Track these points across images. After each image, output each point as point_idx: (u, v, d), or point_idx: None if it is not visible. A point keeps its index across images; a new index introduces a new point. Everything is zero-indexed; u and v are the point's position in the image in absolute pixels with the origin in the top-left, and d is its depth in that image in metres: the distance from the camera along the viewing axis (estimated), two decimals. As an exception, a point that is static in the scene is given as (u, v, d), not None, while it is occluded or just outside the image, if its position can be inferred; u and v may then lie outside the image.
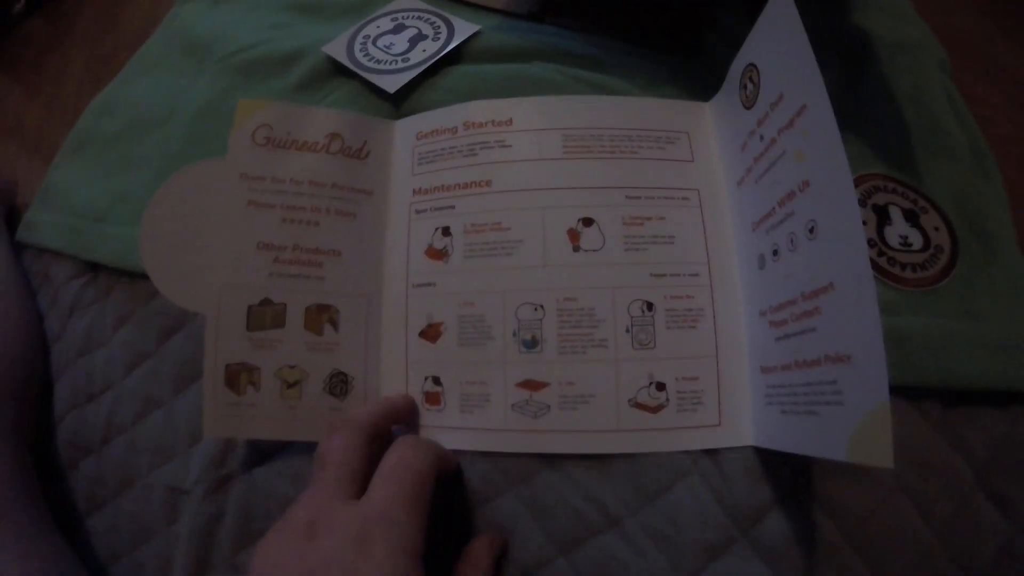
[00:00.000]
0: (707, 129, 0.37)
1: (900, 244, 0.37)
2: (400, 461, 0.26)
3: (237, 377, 0.33)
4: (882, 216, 0.38)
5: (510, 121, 0.36)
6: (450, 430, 0.32)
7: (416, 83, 0.42)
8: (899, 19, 0.48)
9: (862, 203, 0.38)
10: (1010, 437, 0.33)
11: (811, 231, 0.27)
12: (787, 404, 0.28)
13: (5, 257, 0.53)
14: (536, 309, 0.32)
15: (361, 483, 0.26)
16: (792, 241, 0.28)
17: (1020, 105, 0.48)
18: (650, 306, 0.33)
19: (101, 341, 0.46)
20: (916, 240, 0.37)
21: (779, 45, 0.29)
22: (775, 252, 0.30)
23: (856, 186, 0.36)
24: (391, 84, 0.41)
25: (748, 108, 0.32)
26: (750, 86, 0.32)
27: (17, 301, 0.50)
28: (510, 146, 0.35)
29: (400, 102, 0.42)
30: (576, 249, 0.33)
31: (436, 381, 0.33)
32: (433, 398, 0.33)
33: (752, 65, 0.32)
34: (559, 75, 0.41)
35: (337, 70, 0.45)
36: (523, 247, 0.33)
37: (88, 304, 0.48)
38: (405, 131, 0.38)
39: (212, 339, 0.32)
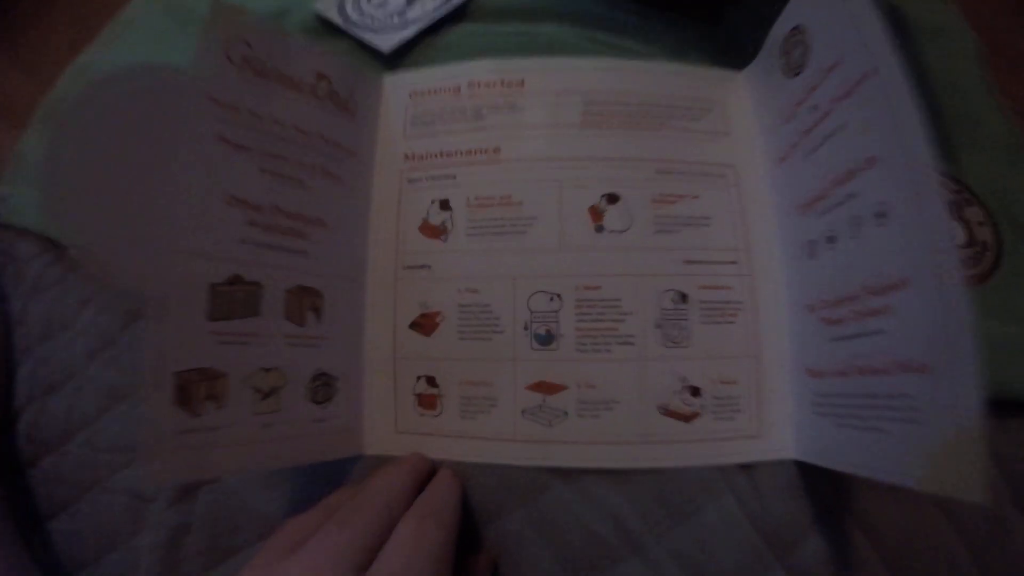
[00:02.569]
0: (742, 100, 0.32)
1: None
2: (418, 536, 0.22)
3: (192, 390, 0.24)
4: None
5: (522, 82, 0.31)
6: (448, 438, 0.28)
7: (414, 43, 0.38)
8: (936, 3, 0.43)
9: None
10: None
11: (880, 215, 0.23)
12: (842, 416, 0.24)
13: None
14: (552, 299, 0.28)
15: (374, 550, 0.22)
16: (854, 226, 0.24)
17: None
18: (684, 297, 0.28)
19: (64, 324, 0.42)
20: (959, 235, 0.33)
21: (834, 3, 0.26)
22: (830, 238, 0.26)
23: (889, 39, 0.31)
24: (386, 43, 0.37)
25: (793, 76, 0.29)
26: (796, 51, 0.29)
27: None
28: (522, 109, 0.30)
29: (396, 64, 0.37)
30: (599, 229, 0.29)
31: (431, 382, 0.28)
32: (428, 401, 0.28)
33: (798, 28, 0.28)
34: (575, 37, 0.36)
35: (327, 29, 0.40)
36: (537, 225, 0.29)
37: (52, 284, 0.44)
38: (397, 87, 0.33)
39: (156, 334, 0.23)
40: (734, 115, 0.32)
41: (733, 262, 0.29)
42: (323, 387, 0.29)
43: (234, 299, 0.26)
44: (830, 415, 0.25)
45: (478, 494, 0.27)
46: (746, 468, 0.27)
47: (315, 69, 0.30)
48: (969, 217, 0.35)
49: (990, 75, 0.43)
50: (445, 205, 0.29)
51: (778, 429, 0.27)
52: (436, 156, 0.30)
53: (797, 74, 0.29)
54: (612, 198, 0.29)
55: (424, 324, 0.29)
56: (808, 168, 0.28)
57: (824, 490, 0.27)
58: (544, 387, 0.27)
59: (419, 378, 0.28)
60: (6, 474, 0.38)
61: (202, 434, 0.24)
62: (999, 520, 0.28)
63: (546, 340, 0.28)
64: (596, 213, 0.29)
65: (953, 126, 0.38)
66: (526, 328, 0.28)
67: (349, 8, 0.40)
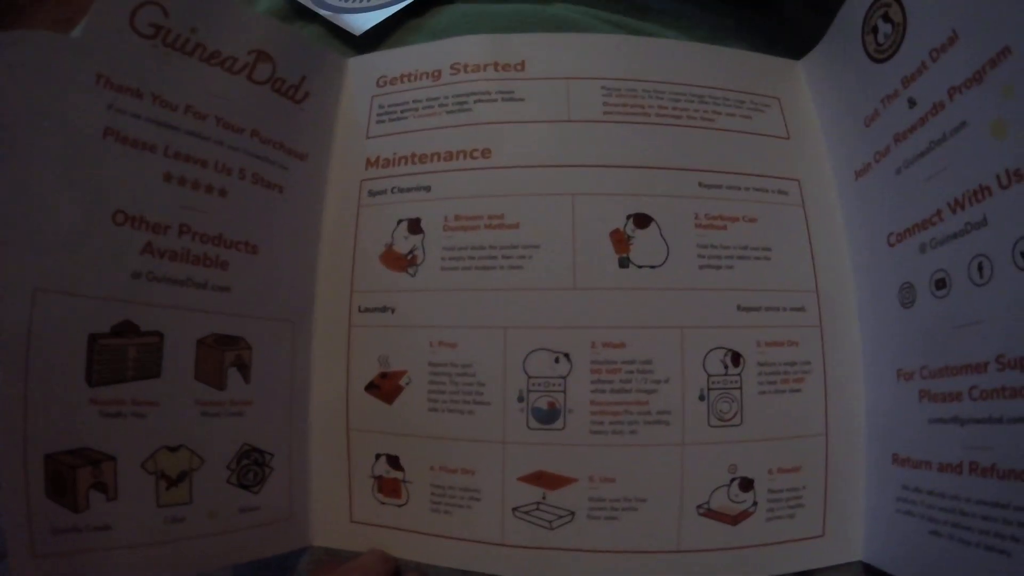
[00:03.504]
0: (803, 96, 0.26)
1: None
2: None
3: (69, 478, 0.18)
4: None
5: (522, 64, 0.24)
6: (416, 535, 0.21)
7: (393, 25, 0.30)
8: None
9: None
10: None
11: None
12: (942, 522, 0.19)
13: None
14: (558, 359, 0.21)
15: None
16: (981, 268, 0.19)
17: None
18: (736, 359, 0.21)
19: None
20: None
21: None
22: (940, 282, 0.20)
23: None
24: (359, 25, 0.29)
25: (881, 60, 0.23)
26: (884, 27, 0.23)
27: None
28: (522, 100, 0.23)
29: (375, 47, 0.30)
30: (624, 263, 0.21)
31: (394, 463, 0.21)
32: (390, 487, 0.21)
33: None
34: (589, 18, 0.29)
35: (296, 11, 0.34)
36: (539, 256, 0.22)
37: None
38: (362, 72, 0.25)
39: (18, 404, 0.17)
40: (796, 114, 0.25)
41: (800, 308, 0.22)
42: (253, 467, 0.22)
43: (123, 355, 0.20)
44: (922, 517, 0.20)
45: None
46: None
47: (254, 45, 0.23)
48: None
49: None
50: (415, 227, 0.22)
51: (849, 526, 0.22)
52: (406, 160, 0.23)
53: (886, 58, 0.23)
54: (642, 220, 0.22)
55: (385, 387, 0.22)
56: (906, 185, 0.22)
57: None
58: (544, 479, 0.21)
59: (379, 456, 0.22)
60: None
61: (87, 534, 0.19)
62: None
63: (548, 417, 0.21)
64: (621, 240, 0.21)
65: None
66: (521, 399, 0.21)
67: (319, -14, 0.33)
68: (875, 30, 0.23)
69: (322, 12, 0.33)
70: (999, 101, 0.18)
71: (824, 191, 0.24)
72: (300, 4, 0.34)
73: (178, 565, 0.21)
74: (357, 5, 0.32)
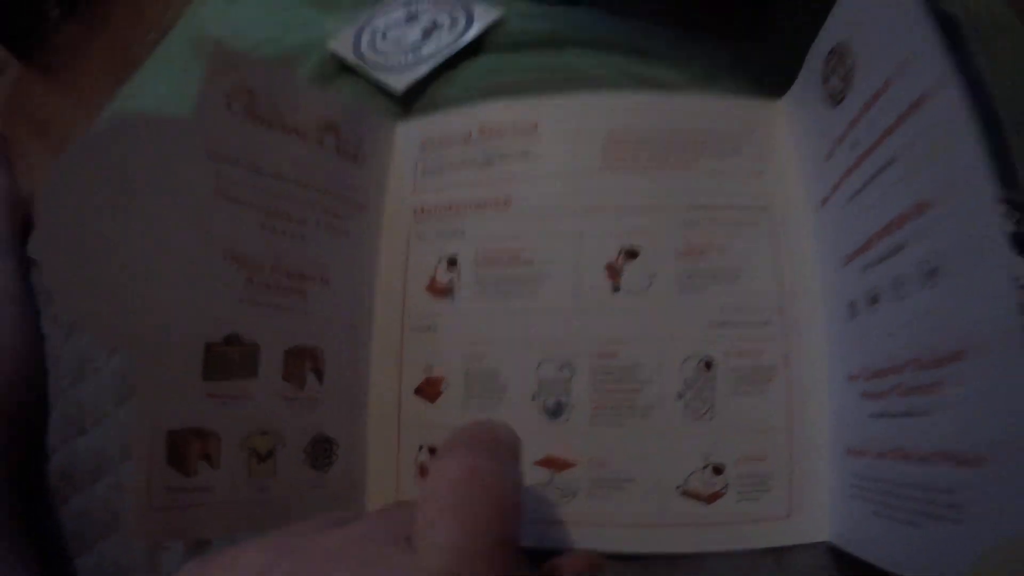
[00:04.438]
0: (781, 133, 0.29)
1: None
2: (470, 476, 0.17)
3: (186, 449, 0.24)
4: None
5: (535, 126, 0.29)
6: None
7: (430, 79, 0.36)
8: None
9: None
10: None
11: (929, 273, 0.20)
12: (879, 504, 0.22)
13: (12, 272, 0.50)
14: (562, 367, 0.26)
15: None
16: (898, 285, 0.21)
17: None
18: (709, 365, 0.25)
19: (94, 369, 0.43)
20: None
21: (881, 15, 0.22)
22: (873, 299, 0.23)
23: (948, 52, 0.26)
24: (400, 82, 0.35)
25: (835, 105, 0.26)
26: (837, 75, 0.25)
27: (19, 320, 0.47)
28: (535, 157, 0.29)
29: (412, 102, 0.36)
30: (616, 289, 0.26)
31: (434, 452, 0.26)
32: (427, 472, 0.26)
33: (839, 47, 0.25)
34: (600, 66, 0.34)
35: (343, 68, 0.40)
36: (550, 284, 0.27)
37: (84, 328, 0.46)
38: (409, 136, 0.31)
39: (149, 392, 0.23)
40: (771, 150, 0.29)
41: (766, 323, 0.26)
42: (323, 452, 0.28)
43: (230, 359, 0.26)
44: (867, 500, 0.23)
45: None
46: (775, 553, 0.25)
47: (322, 118, 0.29)
48: None
49: None
50: (453, 262, 0.28)
51: (811, 509, 0.25)
52: (445, 209, 0.29)
53: (839, 102, 0.26)
54: (631, 253, 0.26)
55: (428, 390, 0.27)
56: (852, 213, 0.24)
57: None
58: (552, 463, 0.25)
59: (422, 447, 0.27)
60: (40, 511, 0.39)
61: (194, 494, 0.24)
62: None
63: (556, 412, 0.26)
64: (614, 271, 0.26)
65: (1018, 142, 0.34)
66: (534, 398, 0.26)
67: (364, 46, 0.39)
68: (830, 77, 0.26)
69: (365, 70, 0.38)
70: (917, 142, 0.20)
71: (793, 218, 0.27)
72: (347, 64, 0.40)
73: (259, 523, 0.25)
74: (397, 63, 0.38)
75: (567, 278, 0.27)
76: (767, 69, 0.36)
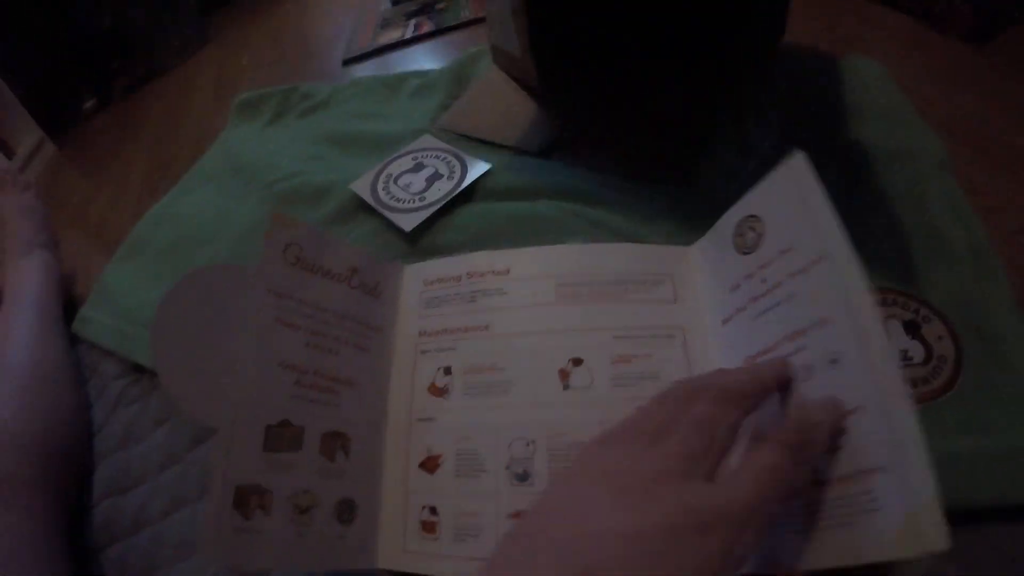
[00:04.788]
0: (691, 271, 0.40)
1: (899, 360, 0.37)
2: (779, 469, 0.23)
3: (247, 499, 0.32)
4: None
5: (508, 270, 0.40)
6: (444, 558, 0.35)
7: (432, 220, 0.48)
8: (897, 123, 0.49)
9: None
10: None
11: (832, 361, 0.28)
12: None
13: (61, 346, 0.58)
14: (528, 444, 0.36)
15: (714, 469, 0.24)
16: (806, 371, 0.29)
17: None
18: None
19: (140, 437, 0.51)
20: (917, 353, 0.37)
21: (791, 201, 0.32)
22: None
23: (839, 225, 0.34)
24: (408, 223, 0.47)
25: (744, 254, 0.35)
26: (751, 234, 0.35)
27: (68, 389, 0.54)
28: (507, 293, 0.40)
29: (417, 239, 0.47)
30: (566, 387, 0.37)
31: (433, 511, 0.36)
32: (429, 527, 0.35)
33: (753, 216, 0.35)
34: (560, 212, 0.45)
35: (361, 206, 0.51)
36: (517, 386, 0.37)
37: (132, 401, 0.54)
38: (414, 276, 0.42)
39: (224, 456, 0.31)
40: (683, 285, 0.40)
41: None
42: (347, 511, 0.36)
43: (283, 437, 0.35)
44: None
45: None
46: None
47: (350, 264, 0.40)
48: (927, 334, 0.38)
49: (954, 183, 0.44)
50: (448, 371, 0.38)
51: None
52: (442, 332, 0.39)
53: (748, 253, 0.35)
54: (577, 361, 0.37)
55: (429, 464, 0.37)
56: (757, 327, 0.33)
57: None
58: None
59: (423, 507, 0.36)
60: (80, 558, 0.45)
61: (250, 535, 0.31)
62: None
63: (523, 478, 0.35)
64: (564, 374, 0.37)
65: (915, 242, 0.41)
66: (507, 468, 0.35)
67: (379, 190, 0.51)
68: (743, 235, 0.35)
69: (381, 211, 0.49)
70: (816, 283, 0.30)
71: (700, 333, 0.37)
72: (365, 203, 0.51)
73: (297, 563, 0.33)
74: (405, 207, 0.49)
75: (530, 381, 0.37)
76: (695, 210, 0.47)
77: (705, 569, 0.20)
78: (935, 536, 0.24)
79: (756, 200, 0.35)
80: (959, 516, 0.28)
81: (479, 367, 0.38)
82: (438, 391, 0.38)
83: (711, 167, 0.49)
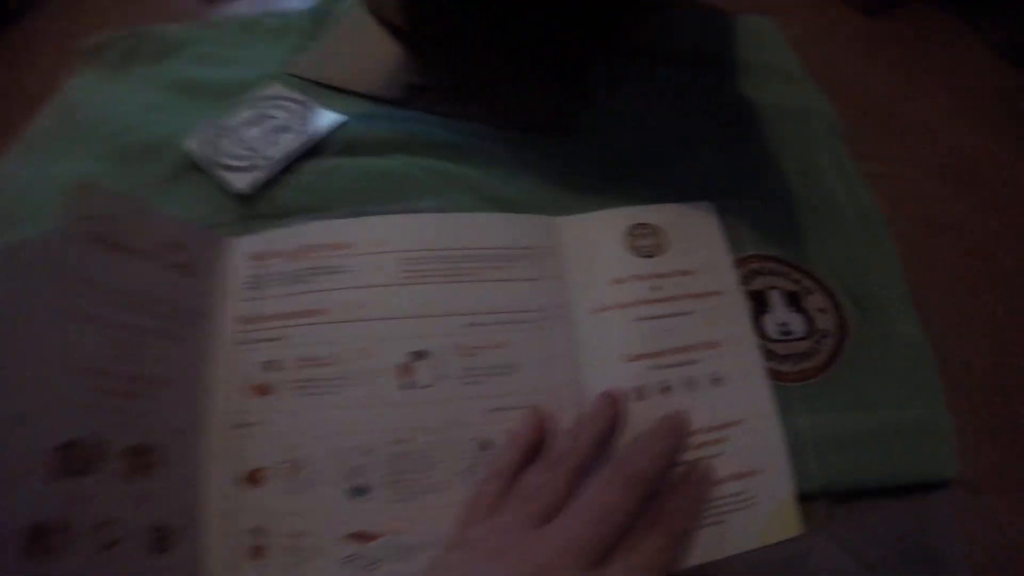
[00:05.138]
0: (561, 246, 0.36)
1: (779, 333, 0.35)
2: (667, 551, 0.25)
3: (39, 541, 0.27)
4: (760, 303, 0.36)
5: (348, 243, 0.34)
6: None
7: (274, 181, 0.40)
8: (788, 82, 0.47)
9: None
10: (907, 535, 0.32)
11: (716, 380, 0.33)
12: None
13: None
14: (366, 453, 0.30)
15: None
16: (690, 384, 0.33)
17: (917, 158, 0.49)
18: (486, 445, 0.31)
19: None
20: (798, 326, 0.36)
21: (697, 237, 0.37)
22: (665, 388, 0.32)
23: (735, 268, 0.37)
24: (242, 183, 0.39)
25: (639, 255, 0.36)
26: (649, 240, 0.37)
27: None
28: (347, 272, 0.33)
29: (254, 202, 0.40)
30: (408, 386, 0.31)
31: (260, 532, 0.30)
32: (258, 552, 0.30)
33: (657, 227, 0.37)
34: (417, 169, 0.39)
35: (196, 166, 0.43)
36: (351, 385, 0.31)
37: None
38: (240, 251, 0.35)
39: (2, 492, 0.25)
40: (549, 261, 0.35)
41: (535, 408, 0.32)
42: (163, 538, 0.31)
43: (77, 458, 0.28)
44: None
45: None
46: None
47: (164, 238, 0.33)
48: (809, 306, 0.36)
49: (843, 149, 0.44)
50: (273, 366, 0.32)
51: None
52: (268, 318, 0.33)
53: (642, 255, 0.36)
54: (420, 354, 0.32)
55: (253, 478, 0.31)
56: (642, 330, 0.34)
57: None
58: (360, 536, 0.30)
59: (250, 529, 0.31)
60: None
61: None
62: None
63: (361, 492, 0.30)
64: (405, 370, 0.31)
65: (801, 209, 0.41)
66: (343, 481, 0.30)
67: (214, 145, 0.43)
68: (637, 237, 0.36)
69: (212, 170, 0.41)
70: (709, 310, 0.35)
71: (563, 320, 0.33)
72: (197, 161, 0.43)
73: None
74: (242, 165, 0.41)
75: (367, 378, 0.31)
76: (569, 164, 0.42)
77: None
78: (793, 523, 0.29)
79: (662, 216, 0.37)
80: (846, 495, 0.32)
81: (310, 361, 0.32)
82: (262, 390, 0.32)
83: (590, 119, 0.44)
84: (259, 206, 0.39)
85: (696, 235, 0.37)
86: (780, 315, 0.36)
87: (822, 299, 0.37)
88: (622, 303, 0.34)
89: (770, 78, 0.48)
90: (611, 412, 0.30)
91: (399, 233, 0.34)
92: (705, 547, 0.29)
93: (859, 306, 0.37)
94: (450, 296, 0.33)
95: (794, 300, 0.36)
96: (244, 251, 0.35)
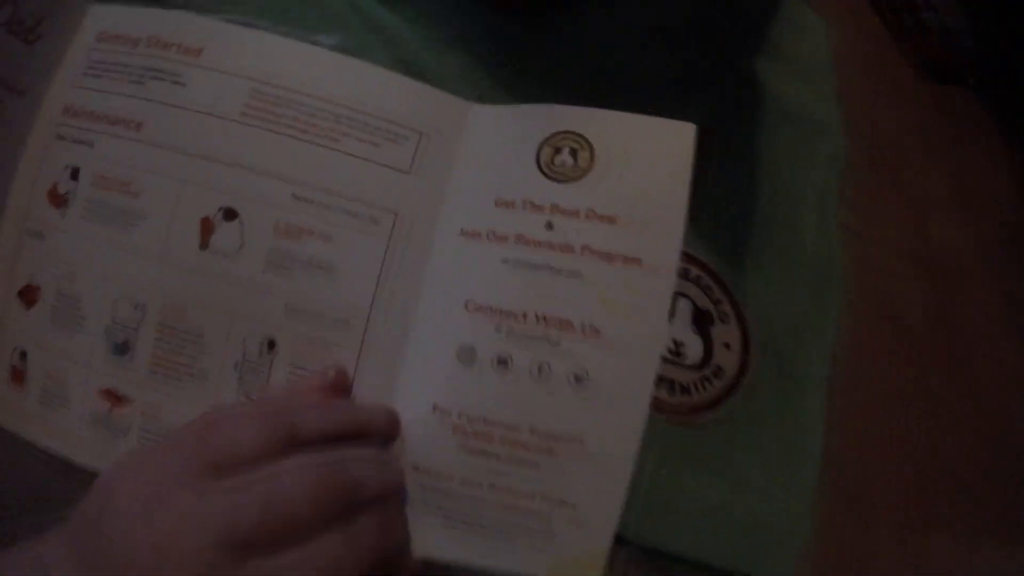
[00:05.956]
0: (457, 140, 0.27)
1: (669, 351, 0.27)
2: (341, 561, 0.19)
3: None
4: None
5: (199, 51, 0.27)
6: (29, 419, 0.26)
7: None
8: (813, 95, 0.38)
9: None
10: None
11: (577, 378, 0.24)
12: (458, 517, 0.24)
13: None
14: (137, 308, 0.25)
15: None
16: (541, 370, 0.24)
17: (912, 231, 0.39)
18: (272, 345, 0.25)
19: None
20: (694, 352, 0.29)
21: (649, 167, 0.25)
22: (502, 361, 0.24)
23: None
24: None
25: (547, 176, 0.25)
26: (567, 159, 0.25)
27: None
28: (185, 85, 0.26)
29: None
30: (204, 246, 0.25)
31: (23, 356, 0.27)
32: (17, 376, 0.27)
33: (585, 139, 0.25)
34: None
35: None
36: (145, 224, 0.25)
37: None
38: (92, 23, 0.28)
39: None
40: (434, 154, 0.27)
41: (345, 321, 0.25)
42: None
43: None
44: (438, 510, 0.24)
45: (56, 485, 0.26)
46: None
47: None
48: (715, 335, 0.29)
49: (835, 187, 0.36)
50: (75, 174, 0.26)
51: None
52: (88, 116, 0.27)
53: (550, 177, 0.25)
54: (230, 214, 0.25)
55: (28, 296, 0.27)
56: (509, 276, 0.25)
57: None
58: (112, 397, 0.25)
59: (15, 350, 0.27)
60: None
61: None
62: None
63: (122, 350, 0.25)
64: (208, 227, 0.25)
65: (763, 225, 0.32)
66: (107, 331, 0.25)
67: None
68: (559, 149, 0.25)
69: None
70: (614, 285, 0.24)
71: (421, 233, 0.26)
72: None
73: None
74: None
75: (163, 222, 0.25)
76: (512, 60, 0.32)
77: None
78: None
79: (604, 124, 0.26)
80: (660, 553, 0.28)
81: (109, 180, 0.26)
82: (58, 199, 0.27)
83: (567, 18, 0.34)
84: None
85: (643, 167, 0.25)
86: (679, 330, 0.29)
87: (734, 333, 0.30)
88: (498, 234, 0.25)
89: (793, 73, 0.37)
90: (381, 425, 0.24)
91: (262, 56, 0.26)
92: (477, 552, 0.24)
93: (774, 361, 0.30)
94: (287, 155, 0.25)
95: (702, 321, 0.29)
96: (96, 25, 0.28)
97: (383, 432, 0.24)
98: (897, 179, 0.46)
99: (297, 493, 0.19)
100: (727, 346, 0.29)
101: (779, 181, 0.34)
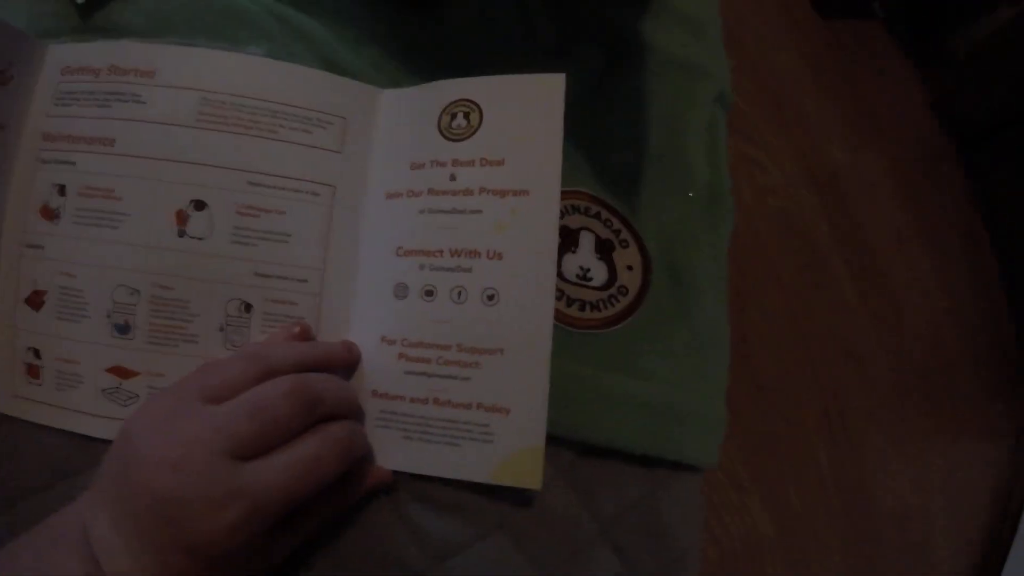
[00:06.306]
0: (372, 121, 0.33)
1: (577, 277, 0.33)
2: (318, 462, 0.24)
3: None
4: (569, 241, 0.33)
5: (153, 72, 0.31)
6: (46, 407, 0.31)
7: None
8: (696, 38, 0.42)
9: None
10: (644, 501, 0.32)
11: (489, 297, 0.29)
12: (413, 431, 0.29)
13: None
14: (132, 293, 0.30)
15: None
16: (459, 294, 0.29)
17: (800, 158, 0.45)
18: (248, 307, 0.29)
19: None
20: (599, 275, 0.34)
21: (526, 115, 0.30)
22: (429, 292, 0.30)
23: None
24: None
25: (448, 139, 0.31)
26: (462, 121, 0.31)
27: None
28: (145, 103, 0.31)
29: (92, 13, 0.36)
30: (181, 234, 0.30)
31: (36, 353, 0.31)
32: (33, 371, 0.31)
33: (474, 103, 0.31)
34: (258, 6, 0.35)
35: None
36: (129, 222, 0.30)
37: None
38: (54, 61, 0.33)
39: None
40: (356, 133, 0.32)
41: (304, 280, 0.30)
42: None
43: None
44: (397, 428, 0.29)
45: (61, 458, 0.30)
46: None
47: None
48: (617, 259, 0.34)
49: (723, 121, 0.40)
50: (62, 190, 0.31)
51: None
52: (66, 139, 0.31)
53: (451, 139, 0.31)
54: (199, 204, 0.30)
55: (34, 300, 0.31)
56: (425, 222, 0.30)
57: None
58: (120, 372, 0.30)
59: (28, 349, 0.31)
60: None
61: None
62: (581, 549, 0.31)
63: (124, 329, 0.30)
64: (182, 217, 0.30)
65: (652, 162, 0.37)
66: (108, 316, 0.30)
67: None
68: (454, 116, 0.31)
69: None
70: (506, 214, 0.29)
71: (354, 200, 0.31)
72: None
73: None
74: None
75: (145, 218, 0.30)
76: (415, 46, 0.36)
77: (216, 541, 0.21)
78: (532, 476, 0.27)
79: (487, 89, 0.31)
80: (595, 449, 0.32)
81: (94, 190, 0.31)
82: (49, 213, 0.31)
83: (452, 8, 0.38)
84: (95, 20, 0.35)
85: (522, 116, 0.30)
86: (584, 258, 0.33)
87: (634, 256, 0.35)
88: (413, 190, 0.31)
89: (680, 27, 0.42)
90: (340, 357, 0.29)
91: (206, 70, 0.31)
92: (432, 461, 0.29)
93: (671, 277, 0.35)
94: (239, 149, 0.30)
95: (604, 248, 0.34)
96: (60, 61, 0.33)
97: (344, 361, 0.29)
98: (798, 111, 0.51)
99: (274, 397, 0.24)
100: (629, 268, 0.34)
101: (670, 121, 0.39)
